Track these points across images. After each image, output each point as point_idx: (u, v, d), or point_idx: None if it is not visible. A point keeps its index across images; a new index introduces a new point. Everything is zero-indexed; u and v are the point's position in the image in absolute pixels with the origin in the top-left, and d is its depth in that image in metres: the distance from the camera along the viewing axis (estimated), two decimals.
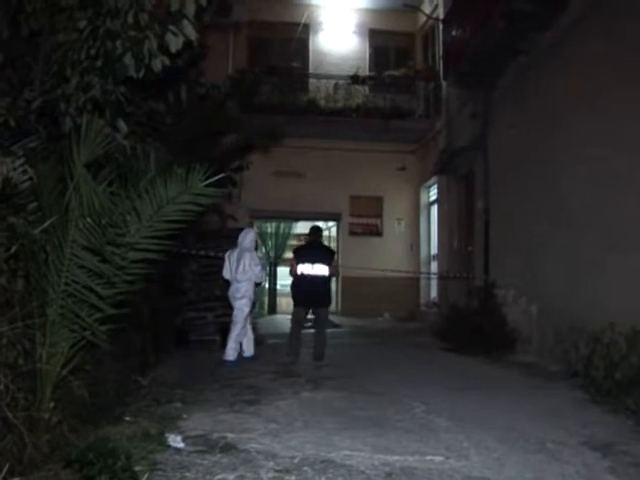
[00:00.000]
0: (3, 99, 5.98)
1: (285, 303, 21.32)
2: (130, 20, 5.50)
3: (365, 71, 20.33)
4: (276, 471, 4.82)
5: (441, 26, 16.95)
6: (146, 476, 4.54)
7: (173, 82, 8.87)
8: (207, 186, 5.15)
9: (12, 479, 4.35)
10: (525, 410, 7.35)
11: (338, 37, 20.84)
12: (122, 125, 6.18)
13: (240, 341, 11.17)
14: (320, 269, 11.21)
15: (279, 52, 20.34)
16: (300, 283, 11.33)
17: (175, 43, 5.52)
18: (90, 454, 4.27)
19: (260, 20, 19.89)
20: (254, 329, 12.08)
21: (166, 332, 12.63)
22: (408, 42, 21.19)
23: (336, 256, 13.05)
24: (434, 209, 19.65)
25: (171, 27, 5.46)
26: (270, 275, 22.17)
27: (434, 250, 19.56)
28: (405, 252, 20.48)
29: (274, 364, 11.07)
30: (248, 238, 11.50)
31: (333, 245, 19.60)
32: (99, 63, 5.78)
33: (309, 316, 11.75)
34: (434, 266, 19.37)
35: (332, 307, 13.98)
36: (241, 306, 11.13)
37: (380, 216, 20.86)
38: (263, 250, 22.76)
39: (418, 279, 20.06)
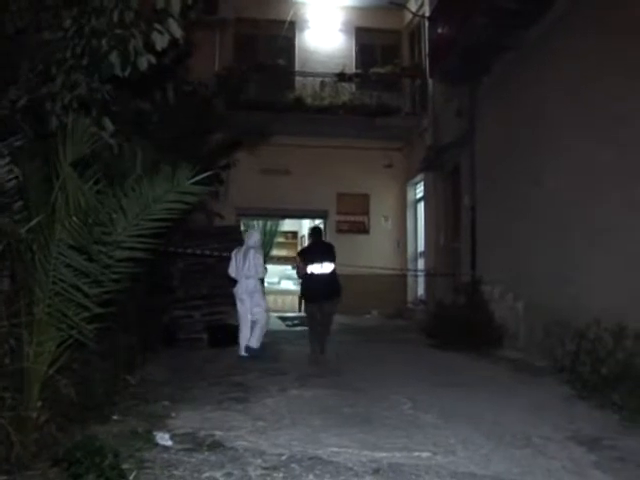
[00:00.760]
0: None
1: (272, 300, 21.30)
2: (115, 18, 5.49)
3: (351, 69, 20.23)
4: (264, 468, 4.84)
5: (427, 23, 16.97)
6: (134, 474, 4.56)
7: (160, 80, 8.85)
8: (193, 184, 5.16)
9: (0, 477, 4.36)
10: (512, 405, 7.41)
11: (324, 35, 20.76)
12: (108, 123, 6.16)
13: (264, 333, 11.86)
14: (328, 267, 11.65)
15: (265, 50, 20.24)
16: (311, 282, 11.68)
17: (161, 41, 5.51)
18: (77, 453, 4.26)
19: (246, 17, 19.78)
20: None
21: (154, 331, 12.63)
22: (394, 39, 21.13)
23: None
24: (421, 206, 19.65)
25: (157, 25, 5.45)
26: None
27: (421, 247, 19.57)
28: (392, 249, 20.48)
29: (261, 362, 11.12)
30: (253, 238, 12.37)
31: None
32: (85, 61, 5.76)
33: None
34: (421, 263, 19.37)
35: None
36: (258, 301, 11.82)
37: (367, 213, 20.82)
38: None
39: (405, 276, 20.06)
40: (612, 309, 8.53)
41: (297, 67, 20.30)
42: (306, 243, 19.05)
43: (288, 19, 19.78)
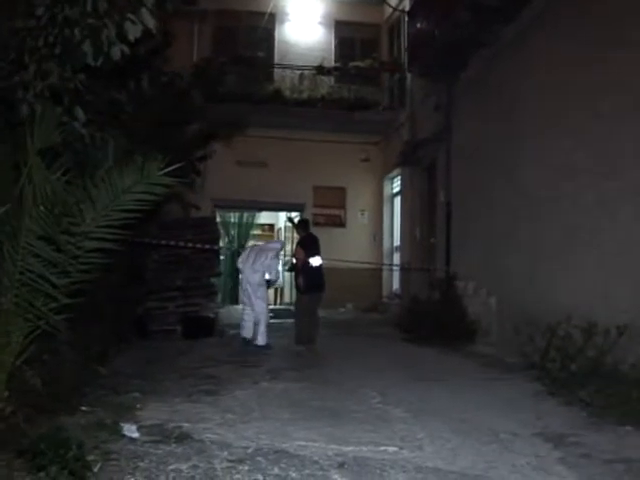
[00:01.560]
0: None
1: None
2: (89, 8, 5.44)
3: (331, 62, 20.24)
4: (229, 461, 4.83)
5: (407, 18, 16.96)
6: (99, 465, 4.54)
7: (135, 71, 8.81)
8: (164, 175, 5.14)
9: None
10: (481, 401, 7.45)
11: (304, 27, 20.74)
12: (80, 113, 6.12)
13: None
14: (319, 259, 12.36)
15: (245, 41, 20.21)
16: (314, 274, 12.18)
17: (134, 31, 5.48)
18: (42, 444, 4.24)
19: (226, 9, 19.76)
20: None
21: (127, 322, 12.59)
22: (374, 34, 21.13)
23: None
24: (397, 201, 19.67)
25: (129, 15, 5.42)
26: (231, 265, 22.07)
27: (397, 242, 19.62)
28: (368, 243, 20.52)
29: (237, 354, 11.15)
30: (276, 244, 13.99)
31: (296, 236, 19.55)
32: (57, 50, 5.72)
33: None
34: (397, 257, 19.43)
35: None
36: (261, 295, 12.38)
37: (343, 207, 20.86)
38: (226, 240, 22.72)
39: (381, 270, 20.12)
40: (582, 306, 8.60)
41: (276, 59, 20.31)
42: (289, 235, 19.22)
43: (268, 11, 19.72)
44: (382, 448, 5.36)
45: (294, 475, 4.58)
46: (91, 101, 7.11)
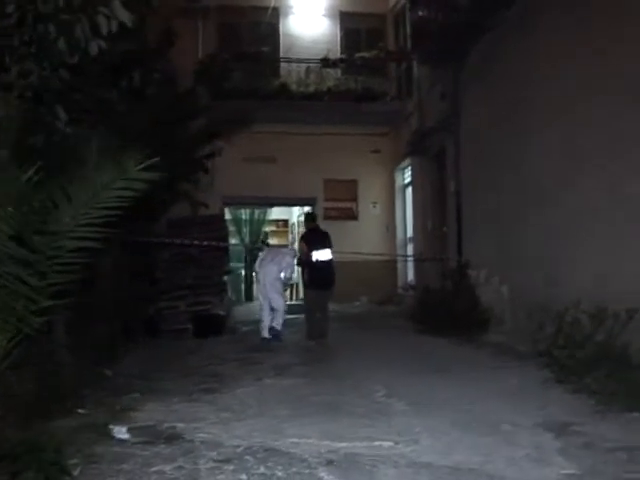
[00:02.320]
0: None
1: None
2: (61, 3, 5.31)
3: (336, 54, 20.01)
4: (215, 461, 4.72)
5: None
6: (79, 469, 4.43)
7: (128, 69, 8.72)
8: (143, 171, 5.01)
9: None
10: (488, 391, 7.29)
11: (308, 20, 20.56)
12: (62, 113, 6.01)
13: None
14: (327, 254, 12.33)
15: (249, 37, 20.07)
16: (317, 269, 12.28)
17: (106, 26, 5.34)
18: (19, 449, 4.14)
19: (229, 5, 19.65)
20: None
21: (137, 322, 12.58)
22: (380, 23, 20.89)
23: None
24: (409, 191, 19.51)
25: (102, 9, 5.28)
26: (246, 262, 22.07)
27: (410, 232, 19.44)
28: (381, 235, 20.33)
29: (245, 351, 11.07)
30: (287, 250, 14.84)
31: None
32: (33, 49, 5.61)
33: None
34: (410, 248, 19.26)
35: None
36: (277, 289, 12.56)
37: (355, 199, 20.67)
38: (238, 237, 22.71)
39: (395, 262, 19.94)
40: (592, 291, 8.41)
41: (281, 53, 20.15)
42: (301, 229, 19.16)
43: (271, 5, 19.56)
44: (377, 443, 5.22)
45: (280, 474, 4.45)
46: (78, 100, 7.01)
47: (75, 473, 4.35)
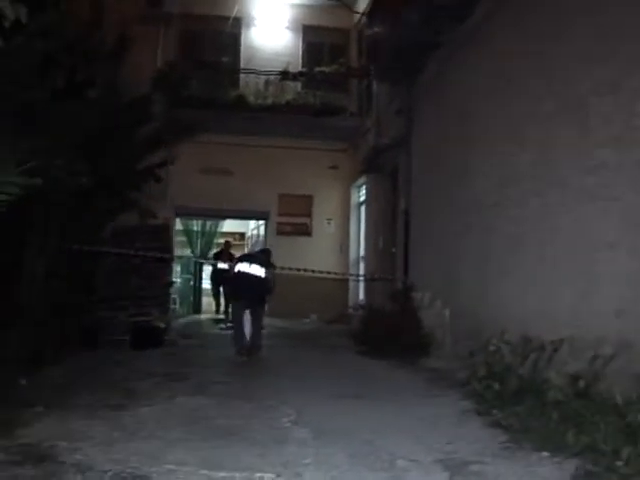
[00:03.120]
0: None
1: (209, 303, 21.10)
2: None
3: (298, 67, 19.84)
4: None
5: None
6: None
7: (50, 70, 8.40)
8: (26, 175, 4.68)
9: None
10: (400, 421, 6.97)
11: (271, 32, 20.41)
12: None
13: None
14: (256, 269, 12.07)
15: (210, 46, 19.87)
16: (237, 280, 12.28)
17: None
18: None
19: (192, 13, 19.41)
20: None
21: (71, 330, 12.18)
22: (343, 39, 20.77)
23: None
24: (364, 209, 19.28)
25: None
26: (195, 274, 21.78)
27: (362, 251, 19.18)
28: (335, 253, 20.12)
29: (176, 366, 10.71)
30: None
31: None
32: None
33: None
34: (362, 267, 19.01)
35: None
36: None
37: (310, 215, 20.45)
38: (190, 248, 22.41)
39: (347, 281, 19.67)
40: (523, 319, 8.18)
41: (242, 64, 19.91)
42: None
43: (233, 15, 19.33)
44: (257, 475, 4.86)
45: None
46: None
47: None
